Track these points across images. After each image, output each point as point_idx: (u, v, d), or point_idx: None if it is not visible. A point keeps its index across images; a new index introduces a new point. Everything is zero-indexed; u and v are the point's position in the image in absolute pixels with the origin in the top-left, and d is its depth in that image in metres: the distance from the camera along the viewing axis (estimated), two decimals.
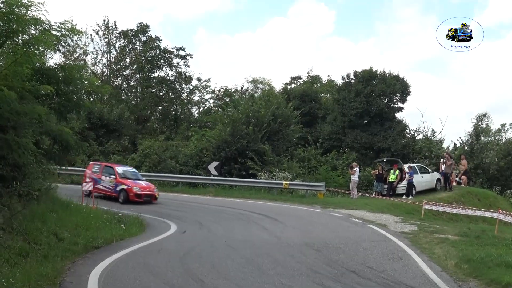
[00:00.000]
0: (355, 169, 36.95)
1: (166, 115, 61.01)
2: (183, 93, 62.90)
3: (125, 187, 30.48)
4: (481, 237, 21.93)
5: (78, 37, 38.09)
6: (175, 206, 29.91)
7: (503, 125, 49.31)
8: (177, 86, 61.66)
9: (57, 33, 17.01)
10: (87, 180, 31.06)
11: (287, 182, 38.02)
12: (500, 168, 45.50)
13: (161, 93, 61.40)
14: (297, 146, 46.38)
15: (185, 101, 62.99)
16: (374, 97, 47.46)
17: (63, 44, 17.75)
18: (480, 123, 49.09)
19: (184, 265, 15.31)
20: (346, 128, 48.62)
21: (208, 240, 19.90)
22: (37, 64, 16.63)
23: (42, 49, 16.68)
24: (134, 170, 33.68)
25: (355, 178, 36.75)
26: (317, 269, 15.60)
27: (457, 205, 31.60)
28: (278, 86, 67.56)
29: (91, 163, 35.39)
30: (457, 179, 39.75)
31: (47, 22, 16.54)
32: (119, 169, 32.13)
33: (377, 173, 37.54)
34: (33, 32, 16.18)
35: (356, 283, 14.28)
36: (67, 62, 39.89)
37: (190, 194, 36.73)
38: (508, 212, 26.34)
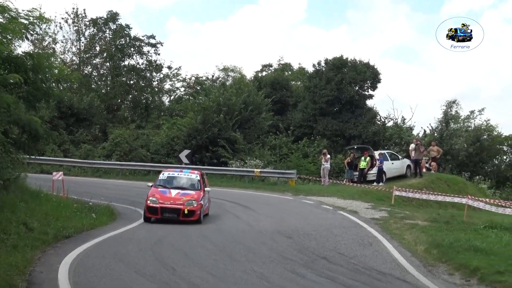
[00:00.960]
0: (328, 156, 37.10)
1: (137, 103, 60.54)
2: (154, 81, 62.51)
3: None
4: (450, 222, 22.20)
5: (46, 25, 37.54)
6: (145, 194, 29.39)
7: (472, 112, 49.70)
8: (148, 75, 61.19)
9: (25, 21, 16.90)
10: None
11: (259, 170, 38.10)
12: (469, 154, 46.05)
13: (131, 82, 60.84)
14: (269, 133, 46.45)
15: (156, 89, 62.60)
16: (345, 84, 47.58)
17: (31, 32, 17.66)
18: (449, 110, 49.50)
19: (156, 253, 15.32)
20: (317, 116, 48.66)
21: (179, 229, 19.92)
22: (5, 52, 16.46)
23: (10, 37, 16.54)
24: (192, 175, 24.39)
25: (327, 165, 36.83)
26: (288, 256, 15.68)
27: (427, 191, 31.89)
28: (249, 74, 67.34)
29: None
30: (427, 165, 40.10)
31: (14, 10, 16.43)
32: (165, 174, 24.44)
33: (349, 160, 37.70)
34: (0, 20, 16.02)
35: (327, 269, 14.38)
36: (36, 51, 39.39)
37: None
38: (476, 198, 26.70)
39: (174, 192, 22.70)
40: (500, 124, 50.98)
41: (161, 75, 62.68)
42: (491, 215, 23.87)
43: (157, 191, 22.72)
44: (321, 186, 36.06)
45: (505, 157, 50.61)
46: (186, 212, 21.63)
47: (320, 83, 48.31)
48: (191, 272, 13.43)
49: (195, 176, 24.36)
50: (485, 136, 48.03)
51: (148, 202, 22.01)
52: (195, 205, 21.97)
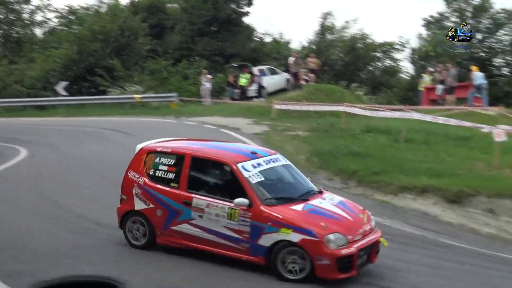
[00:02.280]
0: (209, 75, 37.11)
1: (7, 38, 58.32)
2: (23, 14, 60.15)
3: (287, 236, 9.26)
4: (329, 130, 22.93)
5: None
6: (23, 130, 27.87)
7: (346, 22, 50.68)
8: (17, 7, 58.84)
9: None
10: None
11: (139, 96, 37.63)
12: (345, 64, 47.20)
13: (0, 16, 58.45)
14: (147, 58, 45.87)
15: (27, 22, 60.33)
16: (221, 3, 47.32)
17: None
18: (325, 22, 50.24)
19: (38, 189, 15.12)
20: (195, 37, 48.33)
21: (60, 162, 19.54)
22: None
23: None
24: (281, 158, 11.38)
25: (208, 85, 36.87)
26: None
27: (307, 102, 32.53)
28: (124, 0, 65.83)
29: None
30: (306, 77, 40.80)
31: None
32: (248, 167, 10.12)
33: (232, 79, 37.82)
34: None
35: None
36: None
37: (39, 118, 35.04)
38: (352, 104, 27.52)
39: (337, 208, 10.20)
40: (374, 32, 52.31)
41: (32, 7, 60.30)
42: (368, 120, 24.71)
43: (302, 215, 9.65)
44: (203, 106, 36.14)
45: (379, 63, 52.06)
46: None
47: (197, 3, 47.83)
48: (75, 203, 13.41)
49: (283, 159, 11.51)
50: (360, 45, 49.16)
51: (331, 246, 9.21)
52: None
